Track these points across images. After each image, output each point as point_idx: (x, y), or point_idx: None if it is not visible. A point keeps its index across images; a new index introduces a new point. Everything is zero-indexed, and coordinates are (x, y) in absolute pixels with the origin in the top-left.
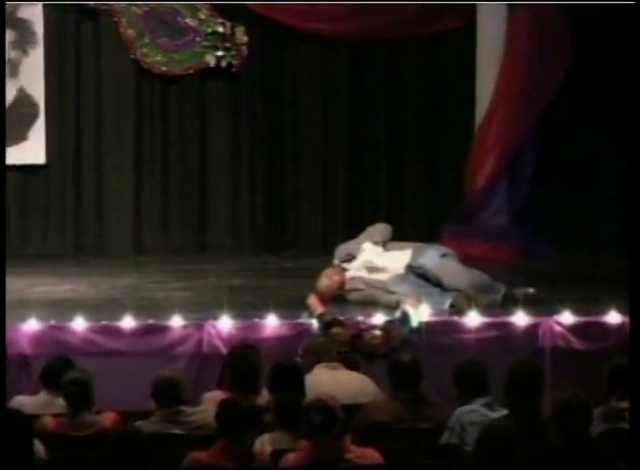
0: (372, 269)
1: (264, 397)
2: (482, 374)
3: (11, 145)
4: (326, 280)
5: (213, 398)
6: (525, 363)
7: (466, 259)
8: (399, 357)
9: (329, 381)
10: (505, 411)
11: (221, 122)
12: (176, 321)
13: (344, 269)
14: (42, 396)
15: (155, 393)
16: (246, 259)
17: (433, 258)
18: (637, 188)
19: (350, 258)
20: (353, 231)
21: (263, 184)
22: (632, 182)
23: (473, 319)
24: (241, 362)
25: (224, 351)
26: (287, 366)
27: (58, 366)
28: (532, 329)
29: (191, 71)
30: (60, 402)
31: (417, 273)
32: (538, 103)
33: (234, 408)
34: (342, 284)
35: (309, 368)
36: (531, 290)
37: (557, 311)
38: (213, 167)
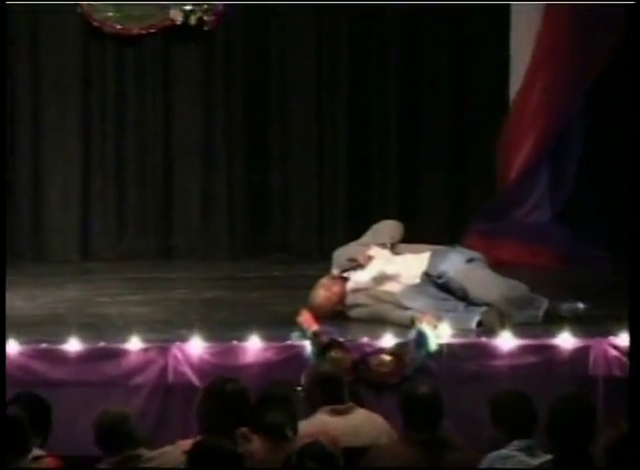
0: (380, 279)
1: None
2: (530, 410)
3: None
4: (322, 292)
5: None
6: (572, 397)
7: (498, 266)
8: (414, 389)
9: (337, 429)
10: (548, 457)
11: (191, 95)
12: (134, 344)
13: (345, 279)
14: None
15: (98, 436)
16: (221, 266)
17: (456, 263)
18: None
19: (354, 264)
20: (356, 231)
21: (244, 172)
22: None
23: (507, 341)
24: (228, 403)
25: (194, 381)
26: (276, 394)
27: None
28: (582, 354)
29: (152, 31)
30: None
31: (436, 283)
32: (586, 71)
33: (211, 453)
34: (342, 297)
35: (313, 407)
36: (580, 304)
37: (612, 332)
38: (181, 152)
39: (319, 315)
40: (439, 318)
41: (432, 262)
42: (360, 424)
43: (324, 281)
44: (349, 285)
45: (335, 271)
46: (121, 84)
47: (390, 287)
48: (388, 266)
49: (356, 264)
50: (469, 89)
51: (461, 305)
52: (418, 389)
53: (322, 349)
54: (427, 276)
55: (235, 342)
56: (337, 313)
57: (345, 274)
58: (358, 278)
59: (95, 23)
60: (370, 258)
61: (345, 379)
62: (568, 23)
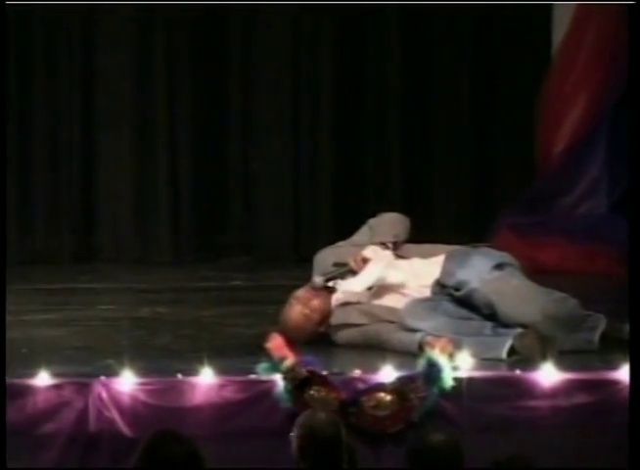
0: (378, 290)
1: None
2: None
3: None
4: (299, 308)
5: None
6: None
7: (538, 273)
8: (424, 439)
9: None
10: None
11: (122, 57)
12: (43, 379)
13: (331, 290)
14: None
15: None
16: (162, 273)
17: (481, 270)
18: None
19: (343, 270)
20: (344, 228)
21: (192, 151)
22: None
23: (549, 375)
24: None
25: (124, 429)
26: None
27: None
28: None
29: None
30: None
31: (454, 296)
32: None
33: None
34: (325, 315)
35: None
36: None
37: None
38: (106, 126)
39: (294, 340)
40: (458, 344)
41: (447, 269)
42: None
43: (301, 293)
44: (336, 298)
45: (316, 279)
46: (29, 50)
47: (392, 301)
48: (389, 273)
49: (346, 270)
50: (499, 42)
51: (487, 327)
52: (429, 438)
53: (298, 385)
54: (441, 287)
55: (180, 376)
56: (319, 337)
57: (331, 284)
58: (348, 289)
59: None
60: (365, 262)
61: (344, 441)
62: None
